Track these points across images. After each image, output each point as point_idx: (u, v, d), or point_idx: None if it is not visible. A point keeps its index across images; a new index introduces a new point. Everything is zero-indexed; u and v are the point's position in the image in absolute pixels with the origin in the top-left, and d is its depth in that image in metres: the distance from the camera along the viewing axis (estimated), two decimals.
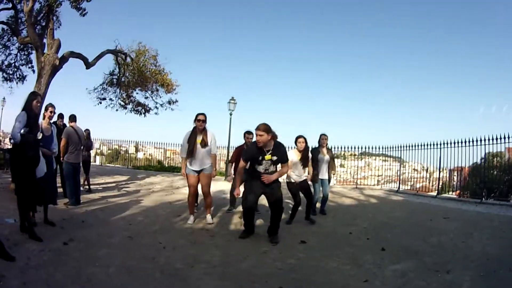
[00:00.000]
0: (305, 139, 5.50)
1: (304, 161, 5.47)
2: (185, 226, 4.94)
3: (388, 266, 3.52)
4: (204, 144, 4.97)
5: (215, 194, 7.28)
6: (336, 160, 6.63)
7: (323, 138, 6.38)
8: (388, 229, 5.20)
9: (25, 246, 3.43)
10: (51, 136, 4.73)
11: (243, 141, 6.30)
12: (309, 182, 5.75)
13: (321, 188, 6.28)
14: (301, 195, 5.50)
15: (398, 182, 11.78)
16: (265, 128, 4.17)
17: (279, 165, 4.50)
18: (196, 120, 5.00)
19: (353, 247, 4.25)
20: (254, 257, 3.73)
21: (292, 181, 5.43)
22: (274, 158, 4.29)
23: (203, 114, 5.03)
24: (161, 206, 6.54)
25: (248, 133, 6.17)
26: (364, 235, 4.81)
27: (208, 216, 5.25)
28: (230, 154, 8.45)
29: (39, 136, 3.98)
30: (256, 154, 4.30)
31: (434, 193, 10.16)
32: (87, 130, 8.26)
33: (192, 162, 5.03)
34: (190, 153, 4.93)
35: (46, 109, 4.89)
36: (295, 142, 5.54)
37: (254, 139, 4.53)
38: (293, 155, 5.39)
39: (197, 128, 5.00)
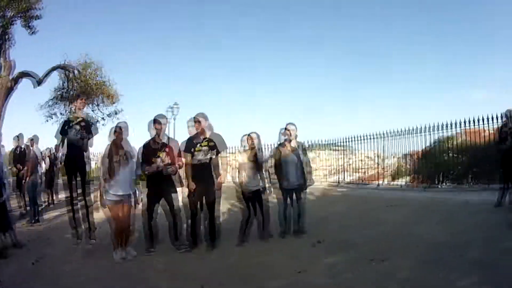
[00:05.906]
0: (251, 136, 4.65)
1: (254, 162, 4.61)
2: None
3: (323, 258, 3.69)
4: (127, 157, 4.18)
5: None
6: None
7: (287, 129, 4.74)
8: (326, 224, 5.14)
9: None
10: None
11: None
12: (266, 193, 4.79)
13: (290, 203, 4.74)
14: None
15: (342, 173, 11.08)
16: (203, 115, 4.49)
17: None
18: (115, 131, 4.21)
19: (289, 243, 4.41)
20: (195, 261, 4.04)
21: (244, 189, 4.64)
22: (212, 143, 4.43)
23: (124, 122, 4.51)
24: None
25: (157, 121, 4.42)
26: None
27: (131, 250, 4.23)
28: None
29: None
30: (195, 141, 4.42)
31: (380, 182, 9.77)
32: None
33: (113, 185, 4.09)
34: (111, 172, 4.06)
35: None
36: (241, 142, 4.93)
37: (162, 129, 4.46)
38: (239, 156, 4.88)
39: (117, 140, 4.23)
